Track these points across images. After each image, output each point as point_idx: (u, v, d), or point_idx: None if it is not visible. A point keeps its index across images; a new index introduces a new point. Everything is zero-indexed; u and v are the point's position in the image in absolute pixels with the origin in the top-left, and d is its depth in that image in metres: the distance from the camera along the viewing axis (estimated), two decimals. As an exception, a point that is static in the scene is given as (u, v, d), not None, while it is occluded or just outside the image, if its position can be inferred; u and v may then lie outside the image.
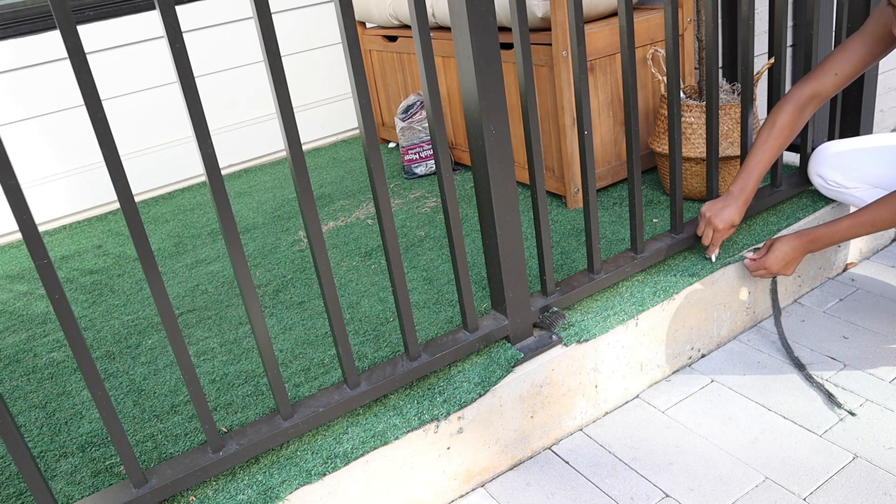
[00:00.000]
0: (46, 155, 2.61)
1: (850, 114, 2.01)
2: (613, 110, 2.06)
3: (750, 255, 1.65)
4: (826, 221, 1.60)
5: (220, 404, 1.42)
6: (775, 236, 1.65)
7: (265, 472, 1.21)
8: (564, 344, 1.46)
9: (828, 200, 1.88)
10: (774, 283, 1.74)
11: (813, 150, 1.83)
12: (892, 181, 1.65)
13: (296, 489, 1.20)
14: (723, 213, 1.60)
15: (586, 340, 1.48)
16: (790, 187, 1.87)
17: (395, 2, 2.52)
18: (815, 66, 1.60)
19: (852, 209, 1.88)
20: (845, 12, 1.87)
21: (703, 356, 1.71)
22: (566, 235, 1.89)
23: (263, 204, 2.52)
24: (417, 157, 2.49)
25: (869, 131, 2.02)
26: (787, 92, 1.62)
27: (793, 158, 2.06)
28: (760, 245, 1.70)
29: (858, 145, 1.72)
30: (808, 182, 1.88)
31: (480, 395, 1.36)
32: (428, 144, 2.48)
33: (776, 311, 1.73)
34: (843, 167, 1.72)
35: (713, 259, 1.66)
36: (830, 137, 2.05)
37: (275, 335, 1.64)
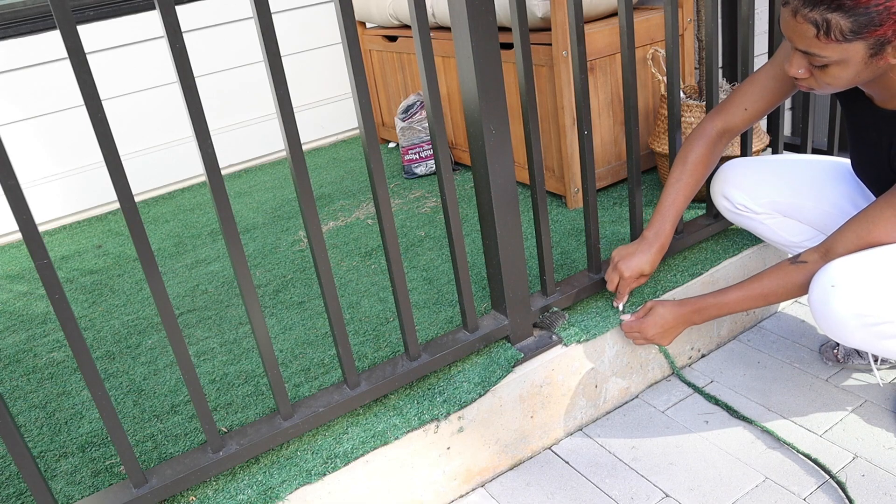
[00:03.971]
0: (47, 155, 2.61)
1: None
2: (613, 110, 2.06)
3: (627, 316, 1.49)
4: (713, 291, 1.40)
5: (220, 404, 1.42)
6: (658, 299, 1.50)
7: (265, 472, 1.21)
8: (564, 344, 1.46)
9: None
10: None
11: (814, 150, 1.82)
12: (802, 212, 1.49)
13: (296, 489, 1.20)
14: (632, 261, 1.45)
15: (586, 340, 1.48)
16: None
17: (395, 2, 2.52)
18: (727, 97, 1.47)
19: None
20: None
21: (703, 356, 1.71)
22: (566, 235, 1.89)
23: (263, 204, 2.52)
24: (417, 157, 2.49)
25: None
26: (698, 124, 1.48)
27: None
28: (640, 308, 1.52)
29: (771, 166, 1.52)
30: None
31: (480, 395, 1.36)
32: (428, 144, 2.48)
33: (674, 369, 1.62)
34: (751, 190, 1.51)
35: (620, 308, 1.52)
36: (831, 135, 2.05)
37: (275, 335, 1.64)
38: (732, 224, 1.72)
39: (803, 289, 1.30)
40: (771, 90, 1.39)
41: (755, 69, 1.94)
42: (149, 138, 2.78)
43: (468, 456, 1.39)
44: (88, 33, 2.57)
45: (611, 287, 1.50)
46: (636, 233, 1.60)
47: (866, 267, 1.19)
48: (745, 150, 1.76)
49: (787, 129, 2.42)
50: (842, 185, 1.46)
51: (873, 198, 1.40)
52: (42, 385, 1.60)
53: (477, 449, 1.40)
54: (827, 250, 1.26)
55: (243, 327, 1.71)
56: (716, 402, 1.54)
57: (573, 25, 1.35)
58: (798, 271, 1.29)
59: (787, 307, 1.85)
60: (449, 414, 1.32)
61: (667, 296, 1.59)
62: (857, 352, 1.57)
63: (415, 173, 2.51)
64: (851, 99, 1.30)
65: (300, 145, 1.10)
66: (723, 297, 1.38)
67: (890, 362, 1.56)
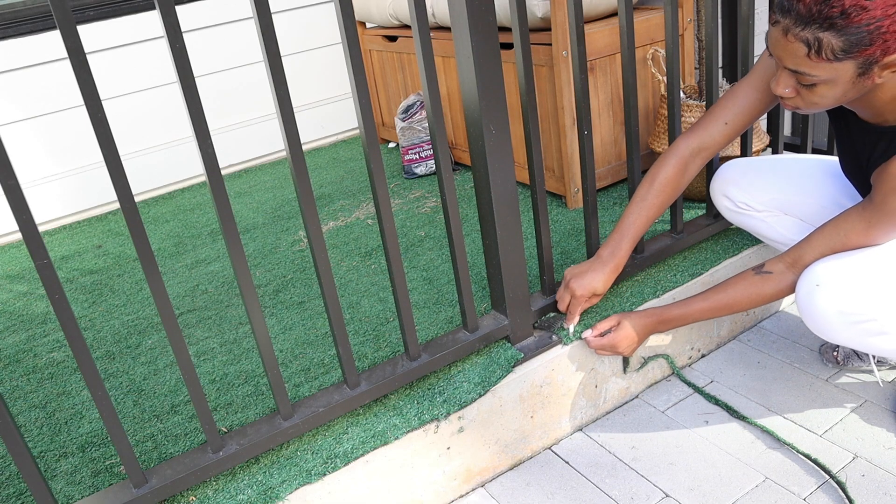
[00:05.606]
0: (46, 155, 2.61)
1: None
2: (613, 110, 2.06)
3: (588, 333, 1.44)
4: (678, 301, 1.40)
5: (220, 404, 1.42)
6: (624, 312, 1.47)
7: (265, 472, 1.21)
8: (564, 344, 1.46)
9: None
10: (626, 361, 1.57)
11: (814, 150, 1.82)
12: (803, 209, 1.49)
13: (296, 489, 1.20)
14: (584, 280, 1.41)
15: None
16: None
17: (395, 2, 2.52)
18: (702, 115, 1.44)
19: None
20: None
21: (703, 356, 1.71)
22: (566, 235, 1.89)
23: (263, 204, 2.52)
24: (417, 157, 2.49)
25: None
26: (672, 143, 1.44)
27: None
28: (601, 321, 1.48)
29: (771, 165, 1.53)
30: None
31: (480, 395, 1.36)
32: (428, 144, 2.48)
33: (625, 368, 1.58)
34: (753, 188, 1.51)
35: (570, 329, 1.45)
36: (831, 135, 2.05)
37: (275, 335, 1.64)
38: (732, 224, 1.72)
39: (768, 299, 1.31)
40: (752, 103, 1.37)
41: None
42: (149, 138, 2.78)
43: (468, 456, 1.39)
44: (88, 33, 2.57)
45: (561, 307, 1.45)
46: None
47: (851, 266, 1.20)
48: (745, 151, 1.76)
49: (787, 129, 2.41)
50: (842, 182, 1.46)
51: None
52: (42, 385, 1.60)
53: (477, 449, 1.40)
54: (795, 261, 1.27)
55: (243, 327, 1.71)
56: (716, 402, 1.54)
57: (573, 25, 1.35)
58: (763, 282, 1.30)
59: (787, 307, 1.85)
60: (449, 414, 1.32)
61: (667, 296, 1.59)
62: (857, 354, 1.57)
63: (415, 173, 2.51)
64: (836, 110, 1.31)
65: (300, 145, 1.10)
66: (687, 307, 1.38)
67: (889, 362, 1.56)
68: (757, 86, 1.35)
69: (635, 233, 1.43)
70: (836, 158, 1.52)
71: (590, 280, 1.41)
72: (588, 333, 1.45)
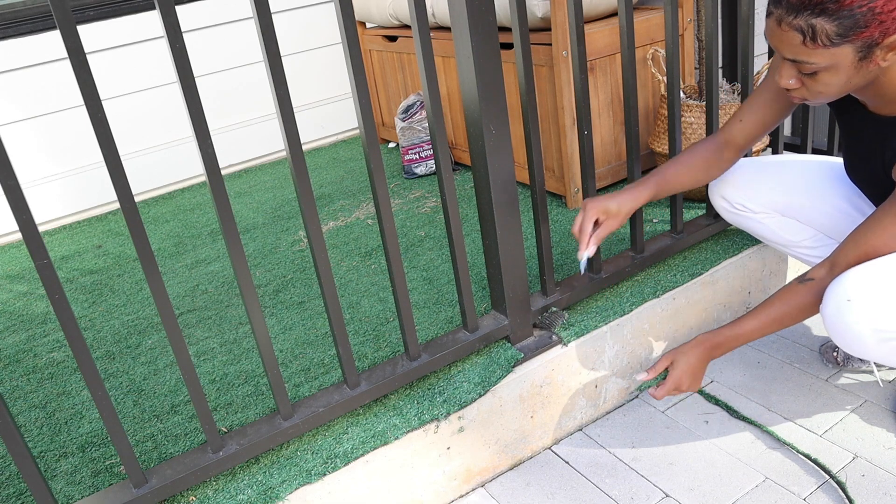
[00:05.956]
0: (46, 155, 2.61)
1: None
2: (613, 110, 2.06)
3: (652, 390, 1.38)
4: (727, 323, 1.35)
5: (220, 404, 1.42)
6: (673, 350, 1.40)
7: (265, 472, 1.21)
8: (564, 344, 1.46)
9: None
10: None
11: (814, 150, 1.82)
12: (801, 212, 1.48)
13: (296, 489, 1.20)
14: (598, 200, 1.39)
15: (586, 340, 1.47)
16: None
17: (395, 2, 2.52)
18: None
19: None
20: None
21: (703, 356, 1.71)
22: (566, 235, 1.89)
23: (263, 204, 2.52)
24: (417, 157, 2.49)
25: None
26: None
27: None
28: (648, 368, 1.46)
29: (769, 166, 1.53)
30: None
31: (480, 395, 1.36)
32: (428, 144, 2.48)
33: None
34: (749, 189, 1.51)
35: (583, 257, 1.38)
36: (831, 135, 2.05)
37: (275, 335, 1.64)
38: (732, 224, 1.72)
39: (816, 307, 1.27)
40: (765, 102, 1.38)
41: (755, 69, 1.94)
42: (149, 138, 2.78)
43: (468, 456, 1.40)
44: (88, 33, 2.57)
45: (574, 228, 1.40)
46: (636, 232, 1.59)
47: (883, 280, 1.15)
48: (745, 150, 1.76)
49: (787, 129, 2.42)
50: (840, 185, 1.46)
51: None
52: (42, 385, 1.60)
53: (477, 449, 1.40)
54: (832, 264, 1.24)
55: (243, 327, 1.71)
56: (716, 402, 1.54)
57: (573, 25, 1.35)
58: (808, 290, 1.26)
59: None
60: (449, 414, 1.32)
61: (666, 296, 1.59)
62: None
63: (415, 173, 2.51)
64: (843, 105, 1.29)
65: (300, 145, 1.10)
66: (738, 328, 1.33)
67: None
68: (769, 86, 1.37)
69: (663, 179, 1.44)
70: (835, 159, 1.52)
71: (604, 199, 1.39)
72: (643, 376, 1.39)
